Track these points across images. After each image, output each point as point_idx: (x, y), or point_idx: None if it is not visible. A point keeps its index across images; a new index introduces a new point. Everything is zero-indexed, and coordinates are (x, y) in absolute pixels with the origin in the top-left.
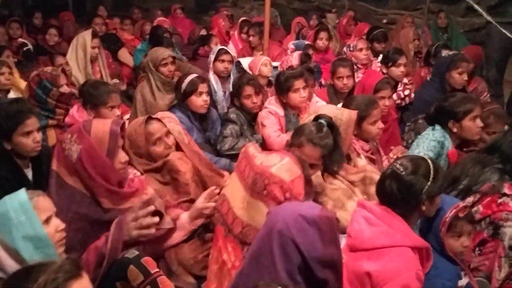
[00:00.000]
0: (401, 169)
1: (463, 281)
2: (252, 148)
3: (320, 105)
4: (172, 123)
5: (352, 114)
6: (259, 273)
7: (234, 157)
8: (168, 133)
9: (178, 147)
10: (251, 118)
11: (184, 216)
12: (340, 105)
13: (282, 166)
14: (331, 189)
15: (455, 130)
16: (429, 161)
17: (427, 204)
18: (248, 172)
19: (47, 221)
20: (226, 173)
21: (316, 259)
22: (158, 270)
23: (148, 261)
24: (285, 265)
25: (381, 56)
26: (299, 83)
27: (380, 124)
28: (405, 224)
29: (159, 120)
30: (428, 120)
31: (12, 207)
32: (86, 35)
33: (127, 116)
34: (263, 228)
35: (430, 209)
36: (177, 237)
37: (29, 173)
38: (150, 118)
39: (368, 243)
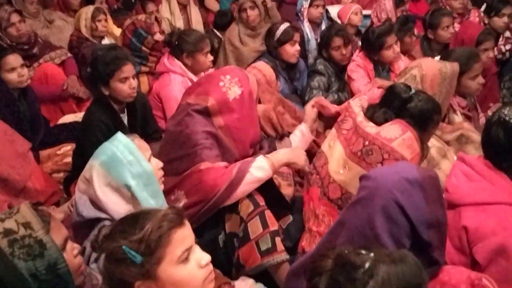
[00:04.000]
0: (509, 116)
1: None
2: (357, 109)
3: (422, 59)
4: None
5: (455, 66)
6: (353, 237)
7: None
8: None
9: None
10: (339, 70)
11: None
12: (437, 58)
13: (404, 142)
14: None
15: None
16: None
17: None
18: (357, 138)
19: (148, 160)
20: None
21: (422, 220)
22: (264, 205)
23: (257, 194)
24: (389, 229)
25: (484, 5)
26: (391, 39)
27: (481, 79)
28: (508, 180)
29: None
30: None
31: (119, 149)
32: None
33: None
34: (359, 192)
35: None
36: None
37: (124, 119)
38: None
39: (467, 199)
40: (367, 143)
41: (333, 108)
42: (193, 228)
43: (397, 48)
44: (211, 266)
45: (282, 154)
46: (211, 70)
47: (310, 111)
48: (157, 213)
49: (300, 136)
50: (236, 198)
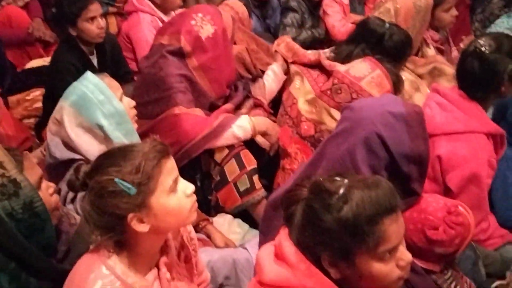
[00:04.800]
0: (484, 47)
1: None
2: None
3: None
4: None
5: (430, 0)
6: (333, 168)
7: None
8: None
9: None
10: (312, 6)
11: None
12: None
13: (373, 80)
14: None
15: None
16: None
17: (507, 85)
18: (325, 77)
19: (120, 99)
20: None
21: (403, 154)
22: (242, 144)
23: None
24: (369, 161)
25: None
26: None
27: (454, 11)
28: (480, 109)
29: None
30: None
31: (89, 89)
32: None
33: None
34: (341, 123)
35: (510, 90)
36: None
37: (94, 60)
38: None
39: (441, 129)
40: (336, 81)
41: (304, 56)
42: None
43: None
44: (195, 196)
45: (263, 123)
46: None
47: (278, 50)
48: (145, 145)
49: (273, 75)
50: (211, 147)
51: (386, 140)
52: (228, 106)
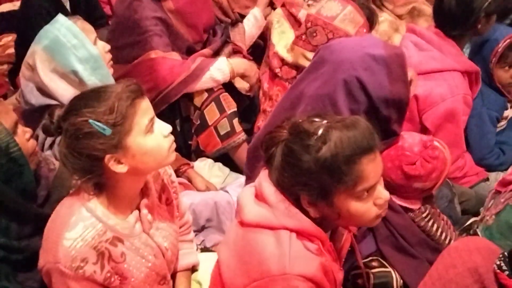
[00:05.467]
0: None
1: (510, 111)
2: None
3: None
4: None
5: None
6: (314, 109)
7: None
8: None
9: None
10: None
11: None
12: None
13: (345, 17)
14: (379, 22)
15: None
16: None
17: (483, 22)
18: (300, 23)
19: (94, 43)
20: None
21: (383, 98)
22: (221, 87)
23: None
24: (348, 104)
25: None
26: None
27: None
28: (456, 47)
29: None
30: None
31: (61, 32)
32: None
33: None
34: (319, 64)
35: (486, 28)
36: None
37: (66, 4)
38: None
39: (417, 68)
40: (309, 24)
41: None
42: None
43: None
44: (172, 137)
45: (241, 64)
46: None
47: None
48: (118, 86)
49: (254, 21)
50: (189, 91)
51: (366, 84)
52: (206, 51)
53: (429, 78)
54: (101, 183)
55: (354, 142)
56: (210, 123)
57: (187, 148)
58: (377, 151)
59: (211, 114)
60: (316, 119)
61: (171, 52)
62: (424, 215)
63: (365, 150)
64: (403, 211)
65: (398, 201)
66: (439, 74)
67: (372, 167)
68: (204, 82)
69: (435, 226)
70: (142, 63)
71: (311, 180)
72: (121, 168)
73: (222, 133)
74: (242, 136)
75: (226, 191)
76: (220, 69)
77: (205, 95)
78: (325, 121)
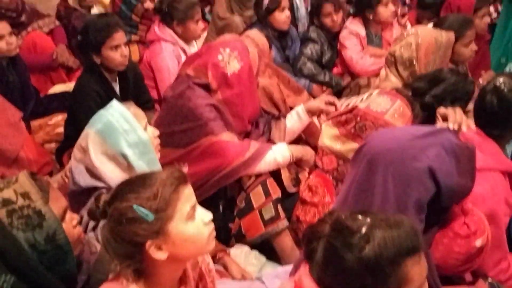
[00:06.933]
0: (503, 85)
1: None
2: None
3: (419, 26)
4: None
5: (451, 36)
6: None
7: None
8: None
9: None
10: (331, 38)
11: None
12: (430, 25)
13: (395, 112)
14: None
15: None
16: None
17: None
18: (347, 117)
19: (145, 128)
20: (305, 92)
21: (450, 187)
22: (268, 173)
23: None
24: (417, 194)
25: None
26: None
27: (474, 46)
28: (497, 147)
29: None
30: None
31: (114, 117)
32: None
33: (205, 34)
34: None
35: None
36: None
37: (116, 88)
38: None
39: None
40: (358, 119)
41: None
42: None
43: (392, 6)
44: (213, 224)
45: (299, 149)
46: (202, 38)
47: (320, 102)
48: (163, 172)
49: (296, 117)
50: (249, 173)
51: (436, 172)
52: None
53: None
54: (140, 270)
55: (399, 242)
56: (255, 206)
57: (226, 232)
58: (422, 252)
59: (257, 197)
60: (359, 216)
61: (228, 132)
62: None
63: (410, 251)
64: None
65: None
66: (479, 173)
67: (417, 269)
68: (266, 164)
69: None
70: (201, 147)
71: (353, 279)
72: (161, 255)
73: (266, 217)
74: (285, 222)
75: (262, 281)
76: (281, 152)
77: (253, 178)
78: (368, 219)
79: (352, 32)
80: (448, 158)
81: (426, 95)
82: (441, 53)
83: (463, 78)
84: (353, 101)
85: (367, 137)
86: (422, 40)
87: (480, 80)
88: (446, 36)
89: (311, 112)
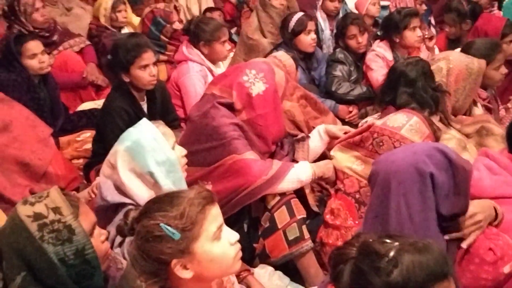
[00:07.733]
0: None
1: None
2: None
3: (450, 52)
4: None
5: (482, 64)
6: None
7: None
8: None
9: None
10: (357, 59)
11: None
12: (457, 50)
13: (411, 127)
14: (446, 139)
15: None
16: None
17: None
18: (363, 135)
19: (173, 147)
20: (331, 113)
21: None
22: (293, 193)
23: None
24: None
25: None
26: (416, 21)
27: (504, 69)
28: None
29: None
30: None
31: (143, 135)
32: None
33: (231, 54)
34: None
35: None
36: None
37: (144, 106)
38: None
39: (488, 192)
40: (375, 135)
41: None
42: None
43: (420, 32)
44: (239, 245)
45: (321, 166)
46: (229, 59)
47: (340, 130)
48: (190, 191)
49: (318, 137)
50: (272, 192)
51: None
52: None
53: (501, 203)
54: (165, 287)
55: (427, 267)
56: (279, 227)
57: (251, 252)
58: (451, 278)
59: (281, 217)
60: (388, 240)
61: (251, 151)
62: None
63: (439, 276)
64: None
65: None
66: (509, 201)
67: None
68: (289, 182)
69: None
70: (224, 166)
71: None
72: (186, 274)
73: (290, 238)
74: (310, 243)
75: None
76: (304, 170)
77: (277, 198)
78: (396, 243)
79: (379, 55)
80: (446, 175)
81: None
82: (471, 80)
83: None
84: (369, 119)
85: (375, 162)
86: (453, 65)
87: (509, 105)
88: (477, 64)
89: (328, 135)
